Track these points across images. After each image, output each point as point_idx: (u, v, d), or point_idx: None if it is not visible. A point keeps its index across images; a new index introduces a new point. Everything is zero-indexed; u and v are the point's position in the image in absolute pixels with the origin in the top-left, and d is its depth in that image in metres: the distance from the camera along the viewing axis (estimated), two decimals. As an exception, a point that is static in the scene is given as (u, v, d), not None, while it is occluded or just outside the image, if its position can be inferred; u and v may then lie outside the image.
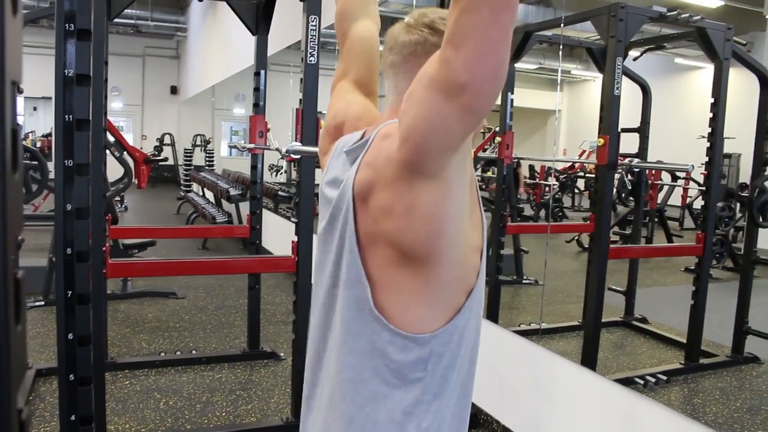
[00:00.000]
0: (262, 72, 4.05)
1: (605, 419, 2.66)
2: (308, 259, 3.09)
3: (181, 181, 12.40)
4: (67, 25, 2.20)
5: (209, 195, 10.43)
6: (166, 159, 9.35)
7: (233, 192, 8.13)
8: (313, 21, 2.93)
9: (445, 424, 1.04)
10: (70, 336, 2.32)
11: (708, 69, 12.67)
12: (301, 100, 2.99)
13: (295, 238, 3.11)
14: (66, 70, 2.23)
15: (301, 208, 3.06)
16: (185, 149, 12.55)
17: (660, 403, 2.54)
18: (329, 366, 1.08)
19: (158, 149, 14.39)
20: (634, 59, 3.92)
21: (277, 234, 6.22)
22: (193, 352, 4.23)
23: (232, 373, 3.97)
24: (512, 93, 4.47)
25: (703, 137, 10.22)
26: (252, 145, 3.90)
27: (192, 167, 12.06)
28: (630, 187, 4.76)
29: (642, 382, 3.46)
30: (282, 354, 4.21)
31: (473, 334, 1.07)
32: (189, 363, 4.06)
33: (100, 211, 2.96)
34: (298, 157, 2.96)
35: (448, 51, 0.81)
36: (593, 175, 11.83)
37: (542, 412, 2.98)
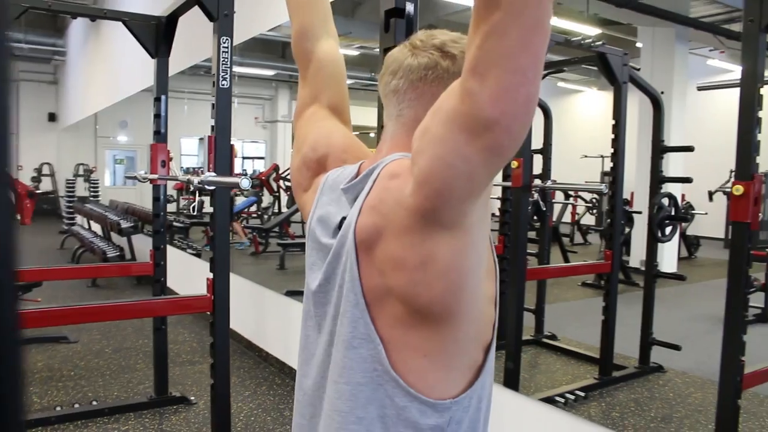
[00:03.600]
0: (163, 97, 3.83)
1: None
2: (225, 298, 2.92)
3: (64, 214, 11.68)
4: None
5: (96, 227, 9.86)
6: (53, 192, 8.78)
7: (125, 224, 7.69)
8: (224, 42, 2.80)
9: None
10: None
11: (587, 92, 13.51)
12: (213, 127, 2.84)
13: (210, 275, 2.94)
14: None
15: (217, 243, 2.90)
16: (67, 180, 11.82)
17: (593, 422, 2.56)
18: None
19: (37, 180, 13.50)
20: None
21: (174, 267, 5.92)
22: (94, 402, 3.87)
23: (140, 423, 3.66)
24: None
25: (587, 156, 10.74)
26: (155, 176, 3.67)
27: (75, 198, 11.39)
28: (544, 208, 4.87)
29: (562, 400, 3.51)
30: (193, 398, 3.96)
31: (489, 392, 0.97)
32: (90, 416, 3.69)
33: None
34: (212, 188, 2.80)
35: (471, 82, 0.70)
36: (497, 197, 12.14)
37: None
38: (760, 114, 2.31)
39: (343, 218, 0.97)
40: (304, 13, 1.25)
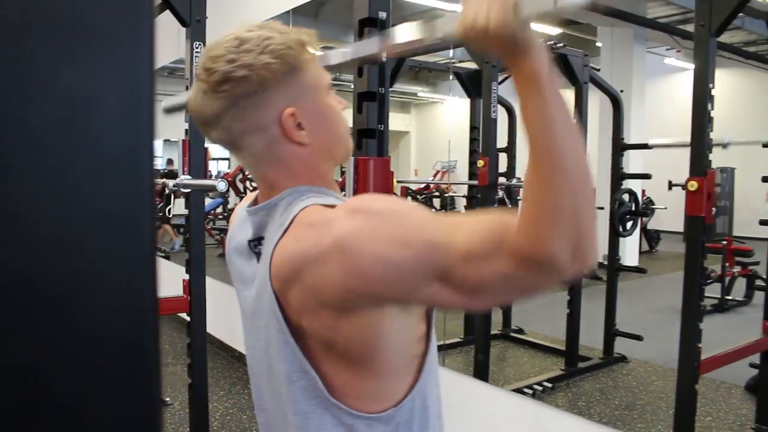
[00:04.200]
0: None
1: (515, 428, 2.76)
2: (202, 298, 2.96)
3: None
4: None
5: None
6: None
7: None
8: (197, 47, 2.84)
9: None
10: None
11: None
12: (187, 130, 2.89)
13: (187, 276, 2.98)
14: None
15: (192, 244, 2.94)
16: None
17: (561, 410, 2.67)
18: None
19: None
20: (499, 83, 4.14)
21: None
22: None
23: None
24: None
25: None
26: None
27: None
28: (510, 206, 4.99)
29: (531, 391, 3.62)
30: (168, 399, 3.99)
31: (435, 390, 0.98)
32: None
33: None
34: (188, 191, 2.85)
35: (507, 252, 0.73)
36: (449, 195, 12.20)
37: (452, 426, 3.03)
38: (712, 113, 2.44)
39: (250, 241, 0.97)
40: None
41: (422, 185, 12.11)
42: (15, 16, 0.28)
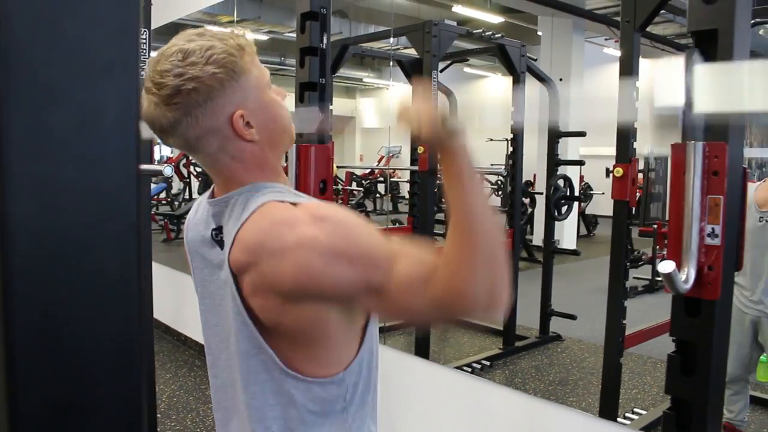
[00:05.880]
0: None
1: (453, 403, 2.89)
2: (147, 280, 3.00)
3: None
4: None
5: None
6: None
7: None
8: (143, 34, 2.86)
9: None
10: None
11: (493, 78, 13.69)
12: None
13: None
14: None
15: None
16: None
17: (500, 384, 2.81)
18: (245, 424, 1.05)
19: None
20: (441, 71, 4.25)
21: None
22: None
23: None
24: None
25: (492, 140, 11.06)
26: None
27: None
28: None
29: (469, 369, 3.77)
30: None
31: (375, 352, 1.11)
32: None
33: None
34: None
35: (440, 295, 0.87)
36: (394, 180, 12.23)
37: (394, 403, 3.15)
38: (637, 104, 2.60)
39: (213, 230, 1.05)
40: None
41: (367, 170, 12.20)
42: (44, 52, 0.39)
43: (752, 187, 2.93)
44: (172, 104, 0.94)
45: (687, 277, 1.20)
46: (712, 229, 1.20)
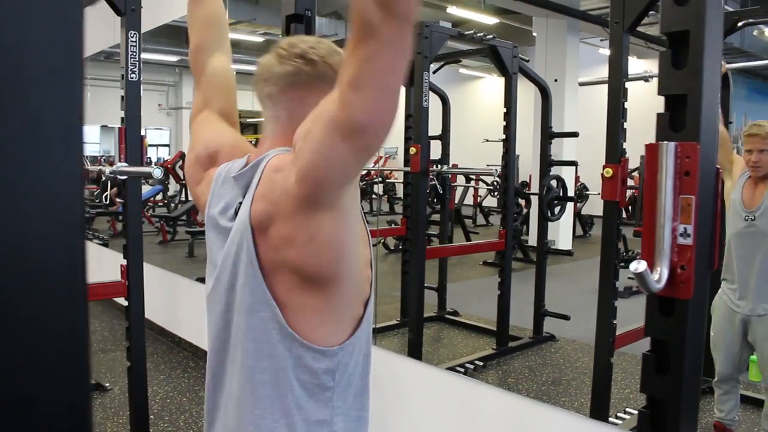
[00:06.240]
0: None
1: (446, 405, 2.90)
2: (139, 282, 3.00)
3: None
4: None
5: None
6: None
7: None
8: (133, 37, 2.87)
9: (352, 425, 1.13)
10: None
11: (488, 78, 13.72)
12: (123, 118, 2.91)
13: (124, 262, 3.01)
14: None
15: (130, 229, 2.97)
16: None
17: (492, 385, 2.82)
18: (232, 387, 1.11)
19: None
20: (434, 72, 4.26)
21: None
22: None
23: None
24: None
25: (488, 141, 11.04)
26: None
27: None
28: (441, 191, 5.13)
29: (463, 370, 3.78)
30: (108, 384, 4.00)
31: (369, 338, 1.17)
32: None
33: None
34: (124, 177, 2.88)
35: (349, 94, 0.85)
36: (391, 181, 12.23)
37: (386, 404, 3.16)
38: (626, 105, 2.61)
39: (240, 203, 1.12)
40: (204, 32, 1.43)
41: (363, 171, 12.21)
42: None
43: (740, 183, 2.95)
44: (293, 61, 1.12)
45: (660, 276, 1.21)
46: (685, 228, 1.21)
